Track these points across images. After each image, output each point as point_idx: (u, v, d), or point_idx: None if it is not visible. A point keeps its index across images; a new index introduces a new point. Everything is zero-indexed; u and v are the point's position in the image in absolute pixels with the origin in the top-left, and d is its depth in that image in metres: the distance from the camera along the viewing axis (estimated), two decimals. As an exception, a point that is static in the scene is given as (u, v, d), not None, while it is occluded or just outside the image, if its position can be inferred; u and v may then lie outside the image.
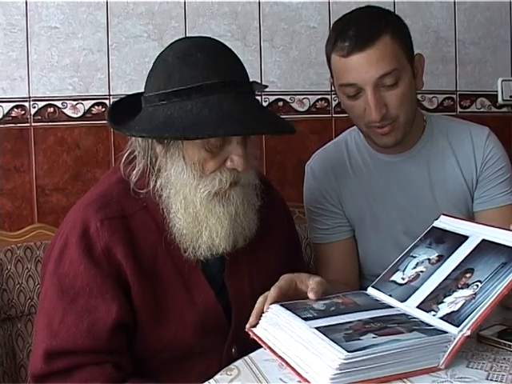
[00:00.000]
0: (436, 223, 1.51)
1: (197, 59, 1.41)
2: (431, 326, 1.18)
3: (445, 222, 1.49)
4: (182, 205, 1.45)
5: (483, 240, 1.33)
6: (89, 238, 1.43)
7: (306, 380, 1.09)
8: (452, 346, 1.13)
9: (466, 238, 1.37)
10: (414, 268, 1.40)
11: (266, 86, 1.56)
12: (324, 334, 1.13)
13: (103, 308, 1.39)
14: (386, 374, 1.08)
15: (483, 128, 1.95)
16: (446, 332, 1.15)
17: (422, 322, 1.21)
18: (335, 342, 1.09)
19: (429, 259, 1.40)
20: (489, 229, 1.35)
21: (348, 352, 1.06)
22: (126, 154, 1.53)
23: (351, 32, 1.70)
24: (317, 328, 1.17)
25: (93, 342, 1.38)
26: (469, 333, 1.14)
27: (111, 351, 1.38)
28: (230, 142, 1.41)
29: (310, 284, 1.35)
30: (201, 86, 1.38)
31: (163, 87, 1.41)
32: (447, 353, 1.13)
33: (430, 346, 1.12)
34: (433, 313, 1.23)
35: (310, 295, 1.33)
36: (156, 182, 1.48)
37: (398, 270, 1.44)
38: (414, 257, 1.44)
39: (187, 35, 2.48)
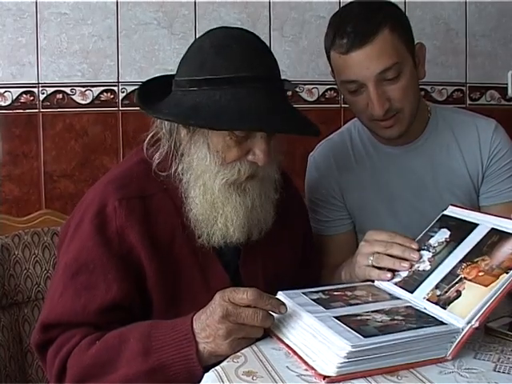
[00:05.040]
0: (445, 212, 1.51)
1: (232, 50, 1.41)
2: (439, 317, 1.18)
3: (454, 212, 1.49)
4: (201, 190, 1.46)
5: (492, 229, 1.33)
6: (104, 216, 1.44)
7: (313, 368, 1.09)
8: (460, 337, 1.13)
9: (475, 225, 1.37)
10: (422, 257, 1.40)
11: (296, 86, 1.55)
12: (329, 327, 1.13)
13: (103, 287, 1.40)
14: (393, 364, 1.09)
15: (490, 121, 1.92)
16: (454, 324, 1.15)
17: (430, 314, 1.21)
18: (344, 331, 1.10)
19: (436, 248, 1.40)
20: (497, 219, 1.35)
21: (356, 341, 1.06)
22: (150, 135, 1.54)
23: (349, 28, 1.67)
24: (323, 320, 1.17)
25: (85, 319, 1.39)
26: (477, 324, 1.14)
27: (101, 328, 1.39)
28: (254, 136, 1.42)
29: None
30: (232, 77, 1.39)
31: (195, 74, 1.42)
32: (455, 344, 1.13)
33: (437, 337, 1.12)
34: (441, 304, 1.23)
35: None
36: (178, 165, 1.49)
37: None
38: (424, 246, 1.44)
39: (197, 23, 2.48)
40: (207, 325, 1.25)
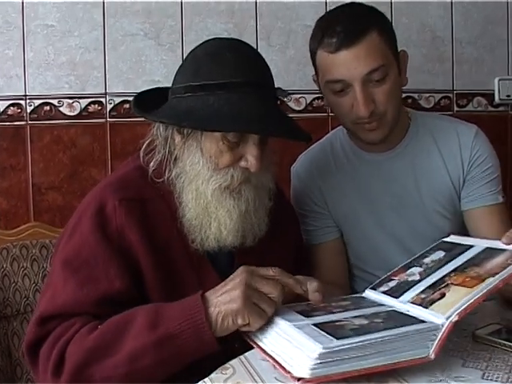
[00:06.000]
0: (444, 239, 1.52)
1: (226, 57, 1.44)
2: (421, 317, 1.17)
3: (452, 238, 1.51)
4: (194, 195, 1.47)
5: (487, 248, 1.34)
6: (104, 215, 1.44)
7: (289, 372, 1.08)
8: (440, 333, 1.11)
9: (470, 246, 1.39)
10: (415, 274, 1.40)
11: (289, 94, 1.56)
12: (305, 332, 1.12)
13: (105, 282, 1.39)
14: (370, 365, 1.06)
15: (470, 126, 1.92)
16: (434, 321, 1.13)
17: (412, 315, 1.19)
18: (319, 335, 1.09)
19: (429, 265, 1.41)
20: (494, 241, 1.35)
21: (327, 343, 1.05)
22: (146, 143, 1.55)
23: (339, 28, 1.68)
24: (300, 327, 1.17)
25: (87, 308, 1.37)
26: (457, 318, 1.11)
27: (101, 319, 1.36)
28: (246, 142, 1.43)
29: (310, 288, 1.34)
30: (226, 83, 1.41)
31: (190, 80, 1.45)
32: (436, 341, 1.10)
33: (416, 335, 1.10)
34: (424, 305, 1.21)
35: (312, 297, 1.33)
36: (172, 171, 1.50)
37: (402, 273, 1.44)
38: (417, 264, 1.45)
39: (184, 34, 2.48)
40: (227, 289, 1.25)
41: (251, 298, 1.23)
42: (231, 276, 1.28)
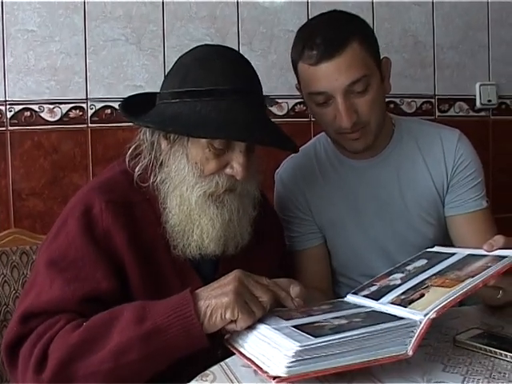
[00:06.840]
0: (428, 249, 1.54)
1: (214, 64, 1.44)
2: (399, 315, 1.17)
3: (436, 248, 1.53)
4: (178, 201, 1.47)
5: (468, 254, 1.35)
6: (91, 216, 1.43)
7: (266, 372, 1.07)
8: (418, 330, 1.10)
9: (452, 254, 1.40)
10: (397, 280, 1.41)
11: (277, 103, 1.56)
12: (284, 334, 1.12)
13: (92, 282, 1.38)
14: (347, 363, 1.05)
15: (453, 131, 1.91)
16: (412, 318, 1.13)
17: (390, 314, 1.19)
18: (297, 335, 1.09)
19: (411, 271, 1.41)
20: (476, 250, 1.36)
21: (304, 341, 1.05)
22: (132, 147, 1.55)
23: (318, 39, 1.67)
24: (278, 328, 1.16)
25: (74, 306, 1.35)
26: (435, 315, 1.11)
27: (87, 317, 1.34)
28: (233, 149, 1.43)
29: (292, 294, 1.35)
30: (213, 89, 1.41)
31: (177, 86, 1.45)
32: (414, 338, 1.10)
33: (394, 332, 1.10)
34: (403, 304, 1.22)
35: (296, 302, 1.33)
36: (157, 176, 1.50)
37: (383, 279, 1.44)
38: (399, 270, 1.45)
39: (165, 39, 2.47)
40: (220, 284, 1.27)
41: (243, 296, 1.24)
42: (225, 275, 1.29)
